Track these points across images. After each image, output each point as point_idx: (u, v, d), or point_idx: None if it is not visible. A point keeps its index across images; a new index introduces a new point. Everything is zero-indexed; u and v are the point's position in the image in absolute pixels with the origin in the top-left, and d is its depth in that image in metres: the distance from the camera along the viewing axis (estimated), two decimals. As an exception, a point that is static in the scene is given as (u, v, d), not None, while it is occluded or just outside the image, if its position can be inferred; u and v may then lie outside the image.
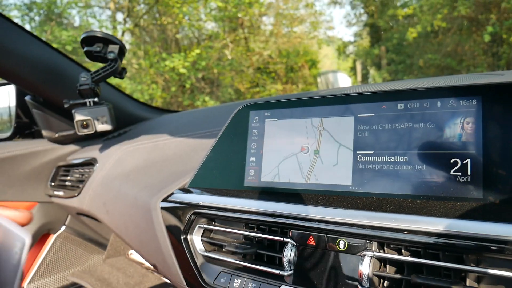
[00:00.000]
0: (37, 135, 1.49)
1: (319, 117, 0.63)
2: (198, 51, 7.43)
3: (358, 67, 14.86)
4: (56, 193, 1.31)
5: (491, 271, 0.43)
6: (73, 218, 1.41)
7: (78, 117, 1.06)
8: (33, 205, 1.34)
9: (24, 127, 1.50)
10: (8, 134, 1.48)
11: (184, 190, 0.74)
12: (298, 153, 0.63)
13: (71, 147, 1.40)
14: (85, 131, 1.07)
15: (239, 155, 0.69)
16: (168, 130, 1.10)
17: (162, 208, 0.75)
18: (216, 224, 0.68)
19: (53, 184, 1.35)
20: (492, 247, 0.43)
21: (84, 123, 1.07)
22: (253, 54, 8.71)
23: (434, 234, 0.46)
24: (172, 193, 0.75)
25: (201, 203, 0.68)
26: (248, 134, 0.69)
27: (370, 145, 0.57)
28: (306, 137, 0.63)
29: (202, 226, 0.69)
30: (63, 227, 1.40)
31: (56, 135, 1.32)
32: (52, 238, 1.38)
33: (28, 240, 0.37)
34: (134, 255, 1.31)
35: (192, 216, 0.69)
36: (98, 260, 1.46)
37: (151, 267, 1.12)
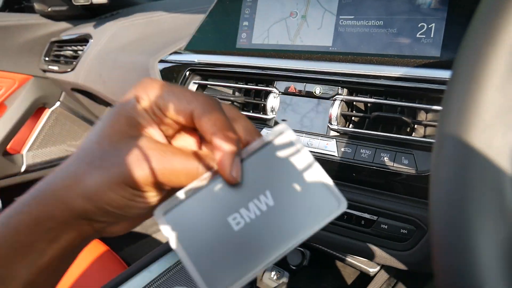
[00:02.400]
0: (27, 11, 1.49)
1: (309, -16, 0.69)
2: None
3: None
4: (50, 67, 1.35)
5: (435, 107, 0.53)
6: (67, 95, 1.48)
7: (74, -14, 1.08)
8: (28, 78, 1.39)
9: (14, 1, 1.49)
10: (-3, 7, 1.47)
11: (180, 52, 0.81)
12: (287, 18, 0.70)
13: (64, 25, 1.41)
14: (81, 1, 1.10)
15: (233, 19, 0.75)
16: (163, 8, 1.13)
17: (159, 68, 0.82)
18: (209, 80, 0.77)
19: (47, 59, 1.39)
20: (437, 88, 0.53)
21: (80, -7, 1.08)
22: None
23: (393, 77, 0.55)
24: (169, 54, 0.82)
25: (196, 60, 0.76)
26: (243, 0, 0.74)
27: (352, 11, 0.64)
28: (295, 3, 0.69)
29: (197, 82, 0.77)
30: (58, 103, 1.47)
31: (49, 9, 1.33)
32: (47, 112, 1.46)
33: None
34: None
35: (187, 73, 0.77)
36: (91, 137, 1.56)
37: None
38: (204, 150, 0.34)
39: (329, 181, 0.29)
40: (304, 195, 0.29)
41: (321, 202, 0.29)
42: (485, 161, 0.22)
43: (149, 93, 0.31)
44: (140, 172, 0.29)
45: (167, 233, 0.29)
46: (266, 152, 0.31)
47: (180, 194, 0.30)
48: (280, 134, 0.31)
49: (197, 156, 0.31)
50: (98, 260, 0.98)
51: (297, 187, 0.30)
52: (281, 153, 0.31)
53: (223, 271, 0.28)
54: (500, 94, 0.22)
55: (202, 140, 0.35)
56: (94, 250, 1.02)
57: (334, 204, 0.29)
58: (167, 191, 0.32)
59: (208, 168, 0.30)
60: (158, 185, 0.30)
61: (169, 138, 0.33)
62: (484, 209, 0.22)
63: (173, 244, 0.29)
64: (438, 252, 0.25)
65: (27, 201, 0.31)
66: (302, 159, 0.30)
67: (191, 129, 0.33)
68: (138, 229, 1.56)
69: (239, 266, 0.28)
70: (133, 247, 1.50)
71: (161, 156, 0.29)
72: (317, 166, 0.30)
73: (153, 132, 0.31)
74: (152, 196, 0.31)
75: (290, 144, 0.30)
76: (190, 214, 0.30)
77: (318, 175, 0.30)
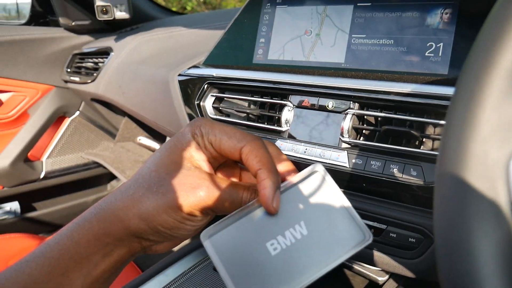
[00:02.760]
0: (52, 24, 1.56)
1: (323, 5, 0.73)
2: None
3: None
4: (72, 78, 1.41)
5: (442, 121, 0.56)
6: (87, 105, 1.53)
7: (99, 2, 1.14)
8: (50, 88, 1.45)
9: (39, 15, 1.56)
10: (23, 21, 1.54)
11: (198, 66, 0.85)
12: (302, 36, 0.74)
13: (86, 38, 1.48)
14: (105, 17, 1.15)
15: (250, 36, 0.79)
16: (182, 23, 1.19)
17: (179, 81, 0.87)
18: (226, 93, 0.81)
19: (69, 70, 1.45)
20: (445, 104, 0.56)
21: (104, 9, 1.14)
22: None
23: (403, 94, 0.58)
24: (188, 68, 0.86)
25: (214, 74, 0.80)
26: (260, 18, 0.79)
27: (364, 30, 0.68)
28: (310, 22, 0.73)
29: (214, 94, 0.81)
30: (77, 112, 1.53)
31: (73, 23, 1.40)
32: (67, 121, 1.51)
33: None
34: (142, 140, 1.46)
35: (206, 86, 0.81)
36: (109, 145, 1.61)
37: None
38: (246, 182, 0.40)
39: (357, 216, 0.33)
40: (334, 227, 0.34)
41: (349, 235, 0.33)
42: (482, 171, 0.25)
43: (202, 130, 0.36)
44: (192, 198, 0.34)
45: (211, 254, 0.33)
46: (302, 187, 0.35)
47: (224, 221, 0.35)
48: (315, 172, 0.35)
49: (241, 187, 0.36)
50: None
51: (329, 219, 0.34)
52: (315, 189, 0.35)
53: None
54: (495, 112, 0.25)
55: (241, 171, 0.41)
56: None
57: (361, 237, 0.33)
58: (212, 216, 0.38)
59: (251, 198, 0.36)
60: (206, 211, 0.35)
61: (215, 169, 0.39)
62: (482, 215, 0.25)
63: (216, 264, 0.33)
64: (441, 258, 0.28)
65: (89, 217, 0.35)
66: (333, 195, 0.34)
67: (233, 162, 0.40)
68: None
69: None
70: (147, 254, 1.53)
71: (211, 185, 0.35)
72: (346, 202, 0.34)
73: (203, 164, 0.36)
74: (199, 220, 0.36)
75: (323, 181, 0.35)
76: (232, 239, 0.34)
77: (348, 210, 0.34)
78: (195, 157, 0.36)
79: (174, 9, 7.38)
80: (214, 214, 0.36)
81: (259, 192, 0.34)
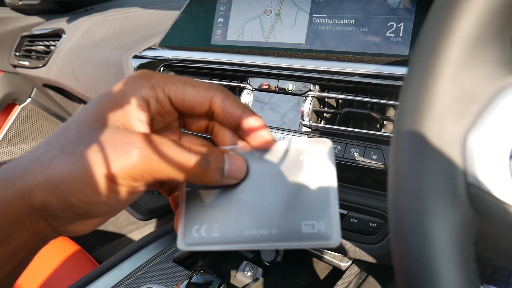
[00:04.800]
0: (-3, 4, 1.44)
1: (283, -17, 0.69)
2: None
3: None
4: (21, 62, 1.31)
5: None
6: (39, 91, 1.44)
7: (46, -21, 1.05)
8: (-3, 73, 1.35)
9: (-17, -6, 1.44)
10: (-36, -1, 1.42)
11: (154, 48, 0.80)
12: (262, 15, 0.71)
13: (36, 19, 1.38)
14: (53, -5, 1.07)
15: (208, 16, 0.75)
16: (140, 3, 1.12)
17: (134, 64, 0.81)
18: (184, 76, 0.76)
19: (17, 54, 1.35)
20: (405, 85, 0.54)
21: (52, -14, 1.06)
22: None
23: (364, 75, 0.57)
24: (143, 50, 0.81)
25: (170, 56, 0.76)
26: (218, -3, 0.75)
27: (324, 10, 0.65)
28: (270, 1, 0.70)
29: (171, 78, 0.76)
30: (29, 99, 1.43)
31: (20, 2, 1.29)
32: (17, 109, 1.42)
33: None
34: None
35: (162, 69, 0.76)
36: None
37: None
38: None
39: (337, 214, 0.29)
40: (309, 208, 0.29)
41: (320, 226, 0.28)
42: (437, 149, 0.23)
43: (153, 81, 0.29)
44: (122, 161, 0.26)
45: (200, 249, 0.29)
46: (295, 153, 0.30)
47: (189, 214, 0.30)
48: (319, 144, 0.30)
49: (188, 148, 0.28)
50: (68, 260, 0.96)
51: (308, 198, 0.29)
52: (314, 161, 0.30)
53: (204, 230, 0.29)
54: (451, 86, 0.23)
55: (182, 137, 0.34)
56: (64, 250, 1.00)
57: (329, 235, 0.28)
58: (144, 190, 0.29)
59: (204, 163, 0.28)
60: (139, 179, 0.27)
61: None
62: (437, 194, 0.23)
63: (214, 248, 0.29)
64: (394, 241, 0.26)
65: None
66: (326, 178, 0.29)
67: (176, 126, 0.33)
68: (112, 228, 1.54)
69: (223, 233, 0.29)
70: (107, 247, 1.48)
71: (148, 145, 0.26)
72: (335, 193, 0.29)
73: (139, 124, 0.28)
74: (127, 192, 0.27)
75: (324, 156, 0.30)
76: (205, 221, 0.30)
77: (333, 201, 0.29)
78: (132, 114, 0.28)
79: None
80: (147, 185, 0.28)
81: (253, 136, 0.30)
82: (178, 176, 0.27)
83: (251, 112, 0.30)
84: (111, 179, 0.26)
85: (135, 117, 0.28)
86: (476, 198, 0.23)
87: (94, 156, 0.25)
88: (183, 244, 0.29)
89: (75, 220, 0.28)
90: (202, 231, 0.29)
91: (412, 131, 0.24)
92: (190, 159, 0.27)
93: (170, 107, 0.30)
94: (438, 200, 0.23)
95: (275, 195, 0.29)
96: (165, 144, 0.27)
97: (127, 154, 0.26)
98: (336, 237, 0.28)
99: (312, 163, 0.30)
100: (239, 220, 0.29)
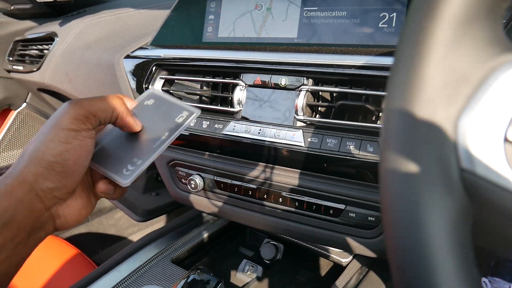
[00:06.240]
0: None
1: (274, -23, 0.68)
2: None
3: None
4: (15, 67, 1.30)
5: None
6: (34, 96, 1.43)
7: (36, -18, 1.04)
8: (-9, 79, 1.34)
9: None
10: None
11: (146, 47, 0.79)
12: (253, 11, 0.70)
13: (28, 23, 1.37)
14: (44, -1, 1.06)
15: (198, 13, 0.74)
16: (131, 4, 1.11)
17: (125, 64, 0.80)
18: (176, 75, 0.76)
19: (11, 59, 1.34)
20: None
21: (43, -11, 1.05)
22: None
23: (357, 66, 0.56)
24: (135, 50, 0.80)
25: (162, 55, 0.75)
26: (208, -7, 0.74)
27: (315, 3, 0.64)
28: (261, -4, 0.69)
29: (163, 77, 0.76)
30: (24, 104, 1.42)
31: (12, 7, 1.28)
32: (13, 114, 1.41)
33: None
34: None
35: (154, 68, 0.75)
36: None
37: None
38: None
39: (183, 103, 0.48)
40: (170, 117, 0.46)
41: (181, 116, 0.47)
42: (428, 135, 0.22)
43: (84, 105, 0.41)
44: (72, 110, 0.38)
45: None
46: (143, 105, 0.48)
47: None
48: (150, 94, 0.50)
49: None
50: (67, 263, 0.95)
51: (164, 115, 0.47)
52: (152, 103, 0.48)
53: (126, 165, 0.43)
54: (440, 68, 0.22)
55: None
56: (63, 253, 0.99)
57: (191, 114, 0.47)
58: (89, 128, 0.40)
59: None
60: (87, 121, 0.39)
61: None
62: (429, 182, 0.22)
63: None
64: (387, 231, 0.25)
65: None
66: (164, 103, 0.48)
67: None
68: (112, 231, 1.53)
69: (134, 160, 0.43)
70: (108, 250, 1.47)
71: (76, 101, 0.40)
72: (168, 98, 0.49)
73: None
74: (82, 136, 0.38)
75: (157, 97, 0.49)
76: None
77: (172, 103, 0.48)
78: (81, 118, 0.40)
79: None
80: (90, 124, 0.39)
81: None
82: (108, 108, 0.42)
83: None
84: (65, 127, 0.38)
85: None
86: (471, 184, 0.22)
87: (53, 120, 0.39)
88: (125, 183, 0.41)
89: (62, 190, 0.38)
90: (129, 167, 0.42)
91: (401, 117, 0.23)
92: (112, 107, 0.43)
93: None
94: (431, 187, 0.22)
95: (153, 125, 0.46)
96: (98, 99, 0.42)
97: (67, 113, 0.39)
98: (195, 110, 0.48)
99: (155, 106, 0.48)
100: (143, 145, 0.44)
